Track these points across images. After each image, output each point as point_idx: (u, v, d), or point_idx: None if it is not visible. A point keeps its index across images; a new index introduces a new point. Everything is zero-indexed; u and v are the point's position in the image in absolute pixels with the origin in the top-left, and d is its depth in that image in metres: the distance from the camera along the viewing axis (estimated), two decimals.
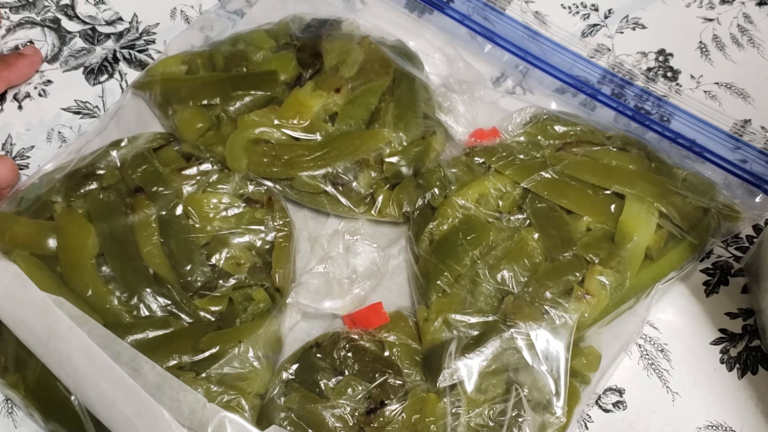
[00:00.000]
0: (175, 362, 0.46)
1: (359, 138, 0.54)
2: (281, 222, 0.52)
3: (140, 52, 0.65)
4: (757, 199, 0.54)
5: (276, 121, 0.55)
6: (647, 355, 0.51)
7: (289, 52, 0.58)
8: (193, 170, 0.53)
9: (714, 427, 0.49)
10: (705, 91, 0.61)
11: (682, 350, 0.51)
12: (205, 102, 0.56)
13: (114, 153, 0.54)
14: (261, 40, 0.59)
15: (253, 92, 0.56)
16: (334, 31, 0.60)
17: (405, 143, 0.55)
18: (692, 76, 0.62)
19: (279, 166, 0.53)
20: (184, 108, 0.56)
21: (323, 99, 0.56)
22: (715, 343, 0.52)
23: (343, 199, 0.53)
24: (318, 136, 0.55)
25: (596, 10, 0.66)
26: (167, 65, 0.58)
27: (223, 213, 0.52)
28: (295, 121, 0.55)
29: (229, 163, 0.54)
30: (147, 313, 0.48)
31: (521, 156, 0.53)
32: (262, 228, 0.52)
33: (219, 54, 0.58)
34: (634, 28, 0.65)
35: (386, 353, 0.48)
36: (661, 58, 0.63)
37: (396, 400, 0.46)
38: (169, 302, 0.48)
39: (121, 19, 0.67)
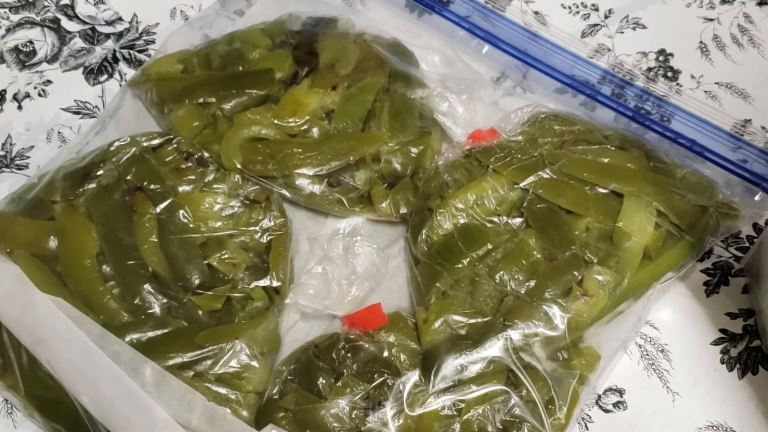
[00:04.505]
0: (173, 361, 0.46)
1: (355, 139, 0.54)
2: (278, 222, 0.52)
3: (140, 52, 0.65)
4: (756, 198, 0.53)
5: (272, 120, 0.55)
6: (647, 355, 0.51)
7: (285, 50, 0.58)
8: (191, 169, 0.53)
9: (714, 428, 0.49)
10: (705, 91, 0.61)
11: (682, 350, 0.51)
12: (201, 100, 0.56)
13: (113, 152, 0.54)
14: (257, 38, 0.59)
15: (249, 90, 0.56)
16: (330, 29, 0.60)
17: (402, 142, 0.55)
18: (692, 76, 0.62)
19: (274, 164, 0.53)
20: (179, 107, 0.56)
21: (319, 97, 0.56)
22: (716, 343, 0.51)
23: (339, 198, 0.53)
24: (315, 134, 0.55)
25: (596, 10, 0.66)
26: (162, 64, 0.58)
27: (220, 212, 0.52)
28: (292, 119, 0.55)
29: (223, 162, 0.54)
30: (146, 313, 0.48)
31: (519, 155, 0.53)
32: (259, 228, 0.52)
33: (215, 53, 0.58)
34: (634, 28, 0.65)
35: (385, 354, 0.48)
36: (661, 58, 0.63)
37: (394, 400, 0.46)
38: (168, 301, 0.48)
39: (120, 19, 0.67)
